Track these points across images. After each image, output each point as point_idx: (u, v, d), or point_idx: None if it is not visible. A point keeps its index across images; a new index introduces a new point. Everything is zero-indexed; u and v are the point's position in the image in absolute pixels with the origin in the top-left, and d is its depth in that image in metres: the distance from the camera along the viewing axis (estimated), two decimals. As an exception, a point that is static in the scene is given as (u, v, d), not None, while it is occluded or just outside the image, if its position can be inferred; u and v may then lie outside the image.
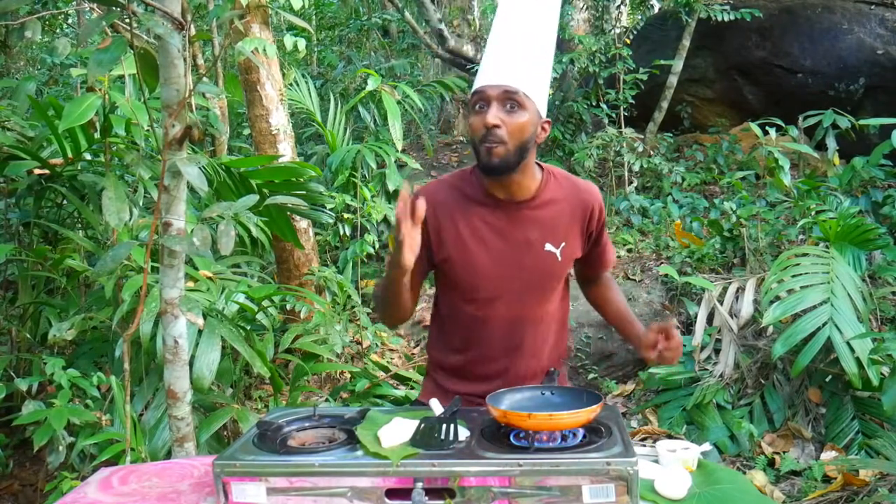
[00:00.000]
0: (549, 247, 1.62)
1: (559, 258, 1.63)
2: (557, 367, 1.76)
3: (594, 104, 6.53)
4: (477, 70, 1.66)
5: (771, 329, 3.43)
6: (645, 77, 6.19)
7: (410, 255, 1.44)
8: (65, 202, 3.28)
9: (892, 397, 2.77)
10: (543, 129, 1.59)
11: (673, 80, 6.37)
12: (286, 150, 3.95)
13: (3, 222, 3.32)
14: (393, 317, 1.67)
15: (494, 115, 1.49)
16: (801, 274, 3.27)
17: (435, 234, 1.62)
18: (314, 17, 9.71)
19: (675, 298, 4.16)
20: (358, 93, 5.26)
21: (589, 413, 1.29)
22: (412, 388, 3.39)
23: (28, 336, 3.13)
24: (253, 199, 2.19)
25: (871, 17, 6.40)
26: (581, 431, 1.34)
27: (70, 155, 2.95)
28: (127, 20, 1.77)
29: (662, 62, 6.30)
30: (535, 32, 1.57)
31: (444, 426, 1.31)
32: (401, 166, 4.80)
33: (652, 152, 6.22)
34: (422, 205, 1.42)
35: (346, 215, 4.30)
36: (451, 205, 1.62)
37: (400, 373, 3.50)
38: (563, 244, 1.63)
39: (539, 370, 1.71)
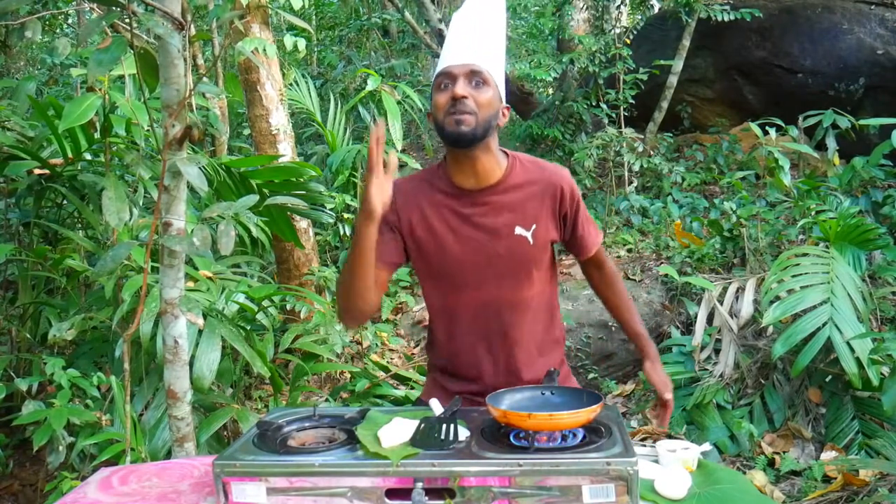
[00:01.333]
0: (519, 230, 1.63)
1: (531, 241, 1.64)
2: (555, 356, 1.76)
3: (594, 104, 6.53)
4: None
5: (771, 329, 3.43)
6: (645, 77, 6.20)
7: (378, 195, 1.44)
8: (65, 202, 3.28)
9: (892, 397, 2.77)
10: (503, 114, 1.64)
11: (673, 80, 6.37)
12: (286, 150, 3.95)
13: (3, 222, 3.32)
14: (352, 301, 1.58)
15: (462, 87, 1.54)
16: (801, 274, 3.27)
17: (406, 225, 1.66)
18: (314, 17, 9.71)
19: (675, 298, 4.17)
20: (358, 93, 5.26)
21: (589, 413, 1.29)
22: (412, 387, 3.39)
23: (28, 336, 3.13)
24: (253, 199, 2.19)
25: (871, 17, 6.40)
26: (581, 431, 1.34)
27: (70, 155, 2.95)
28: (127, 20, 1.77)
29: (662, 62, 6.30)
30: (491, 24, 1.65)
31: (444, 426, 1.31)
32: (401, 166, 4.80)
33: (652, 152, 6.22)
34: (394, 159, 1.47)
35: (346, 215, 4.30)
36: (420, 196, 1.66)
37: (400, 373, 3.50)
38: (535, 226, 1.64)
39: (532, 358, 1.70)
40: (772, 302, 3.18)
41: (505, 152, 1.67)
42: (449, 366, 1.74)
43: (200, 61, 4.80)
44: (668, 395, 1.74)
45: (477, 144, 1.57)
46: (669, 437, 1.62)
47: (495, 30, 1.65)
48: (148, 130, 2.65)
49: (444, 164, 1.67)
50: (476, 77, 1.56)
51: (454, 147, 1.59)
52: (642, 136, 6.30)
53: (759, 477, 2.86)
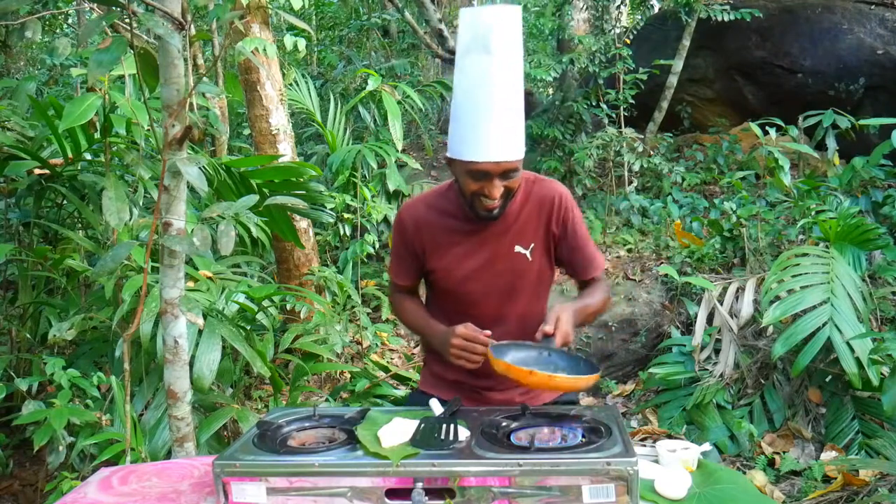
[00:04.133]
0: (518, 248, 1.72)
1: (529, 258, 1.72)
2: None
3: (594, 104, 6.53)
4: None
5: (771, 329, 3.43)
6: (645, 77, 6.19)
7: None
8: (65, 202, 3.28)
9: (892, 397, 2.77)
10: None
11: (673, 80, 6.37)
12: (286, 150, 3.95)
13: (3, 222, 3.31)
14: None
15: (497, 188, 1.58)
16: (801, 274, 3.27)
17: (421, 249, 1.76)
18: (314, 17, 9.70)
19: (675, 298, 4.16)
20: (358, 93, 5.26)
21: (588, 381, 1.36)
22: (412, 388, 3.38)
23: (28, 336, 3.13)
24: (253, 199, 2.19)
25: (871, 17, 6.40)
26: (581, 431, 1.34)
27: (70, 155, 2.95)
28: (127, 20, 1.77)
29: (662, 62, 6.30)
30: (512, 89, 1.56)
31: (444, 426, 1.31)
32: (401, 166, 4.80)
33: (652, 152, 6.22)
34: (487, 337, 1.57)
35: (346, 215, 4.30)
36: (432, 221, 1.75)
37: (400, 373, 3.49)
38: (533, 245, 1.72)
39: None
40: (772, 302, 3.18)
41: None
42: (449, 365, 1.75)
43: (200, 61, 4.80)
44: (548, 327, 1.54)
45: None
46: (669, 437, 1.63)
47: (516, 90, 1.57)
48: (148, 130, 2.64)
49: (453, 188, 1.74)
50: (509, 172, 1.58)
51: (480, 221, 1.67)
52: (642, 136, 6.30)
53: (759, 477, 2.86)
